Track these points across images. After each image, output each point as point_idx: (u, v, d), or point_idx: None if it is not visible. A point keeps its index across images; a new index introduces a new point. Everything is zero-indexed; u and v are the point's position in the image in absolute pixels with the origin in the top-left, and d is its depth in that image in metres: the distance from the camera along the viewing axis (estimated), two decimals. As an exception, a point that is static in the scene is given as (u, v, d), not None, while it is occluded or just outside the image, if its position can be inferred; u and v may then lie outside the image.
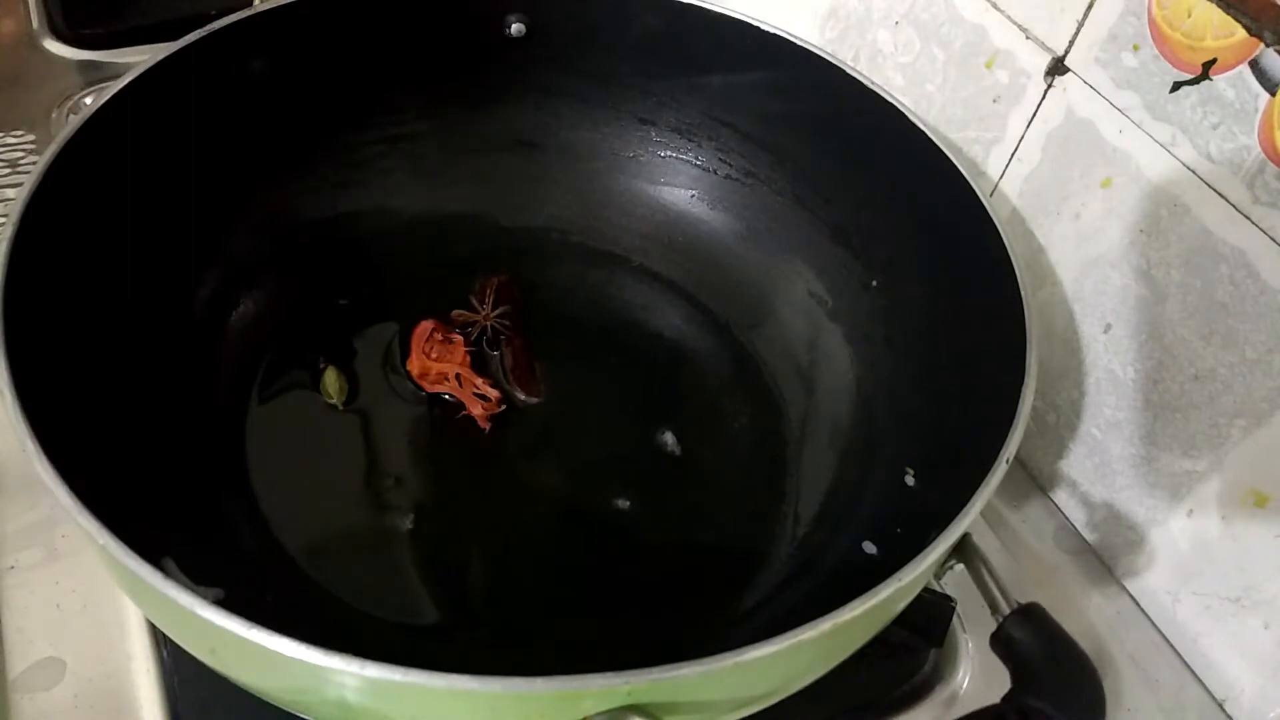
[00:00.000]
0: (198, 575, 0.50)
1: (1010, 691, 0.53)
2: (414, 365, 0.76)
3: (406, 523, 0.69)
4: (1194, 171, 0.62)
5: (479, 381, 0.75)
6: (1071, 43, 0.67)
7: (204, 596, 0.43)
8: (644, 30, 0.81)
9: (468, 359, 0.77)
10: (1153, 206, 0.65)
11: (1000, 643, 0.55)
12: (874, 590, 0.47)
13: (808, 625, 0.45)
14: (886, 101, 0.72)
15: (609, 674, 0.41)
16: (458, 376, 0.75)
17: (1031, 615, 0.55)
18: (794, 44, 0.76)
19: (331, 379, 0.75)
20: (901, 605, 0.54)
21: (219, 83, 0.71)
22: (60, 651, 0.61)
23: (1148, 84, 0.63)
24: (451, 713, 0.45)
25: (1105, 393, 0.71)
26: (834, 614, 0.45)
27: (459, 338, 0.77)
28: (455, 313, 0.80)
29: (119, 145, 0.65)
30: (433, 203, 0.86)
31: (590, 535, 0.71)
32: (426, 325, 0.77)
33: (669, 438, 0.76)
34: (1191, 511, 0.67)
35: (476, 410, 0.74)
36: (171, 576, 0.43)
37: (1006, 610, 0.55)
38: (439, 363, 0.76)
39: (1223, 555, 0.66)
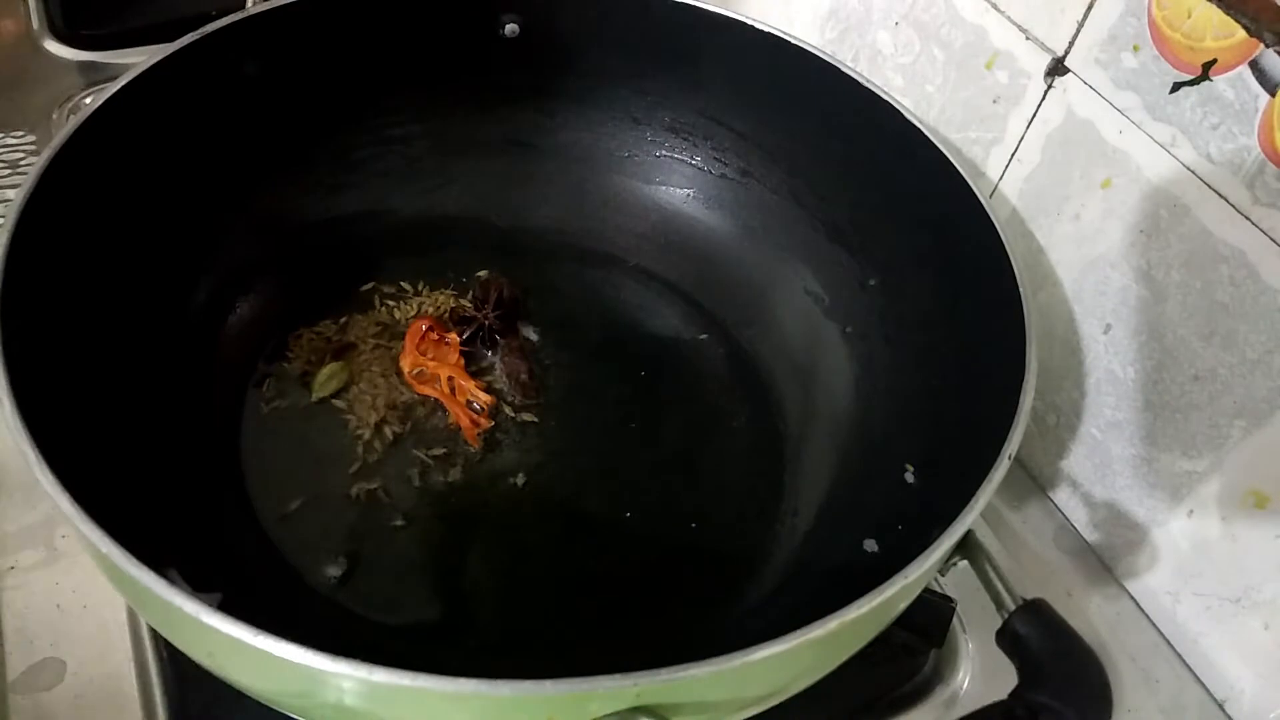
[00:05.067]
0: (196, 579, 0.50)
1: (1017, 688, 0.53)
2: (406, 362, 0.76)
3: (406, 526, 0.69)
4: (1194, 172, 0.62)
5: (471, 385, 0.75)
6: (1071, 43, 0.67)
7: (204, 602, 0.42)
8: (639, 30, 0.81)
9: (461, 361, 0.77)
10: (1153, 207, 0.65)
11: (1006, 639, 0.55)
12: (881, 587, 0.47)
13: (815, 624, 0.45)
14: (886, 102, 0.72)
15: (618, 675, 0.41)
16: (450, 380, 0.75)
17: (1037, 611, 0.55)
18: (790, 43, 0.76)
19: (326, 378, 0.75)
20: (905, 603, 0.54)
21: (215, 84, 0.71)
22: (60, 651, 0.61)
23: (1148, 84, 0.63)
24: (457, 717, 0.44)
25: (1105, 393, 0.71)
26: (841, 612, 0.45)
27: (454, 337, 0.77)
28: (451, 312, 0.80)
29: (116, 147, 0.64)
30: (428, 204, 0.86)
31: (590, 535, 0.71)
32: (422, 323, 0.77)
33: (668, 438, 0.76)
34: (1191, 512, 0.67)
35: (464, 423, 0.74)
36: (173, 583, 0.43)
37: (1012, 606, 0.55)
38: (432, 362, 0.76)
39: (1223, 556, 0.66)
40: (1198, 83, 0.60)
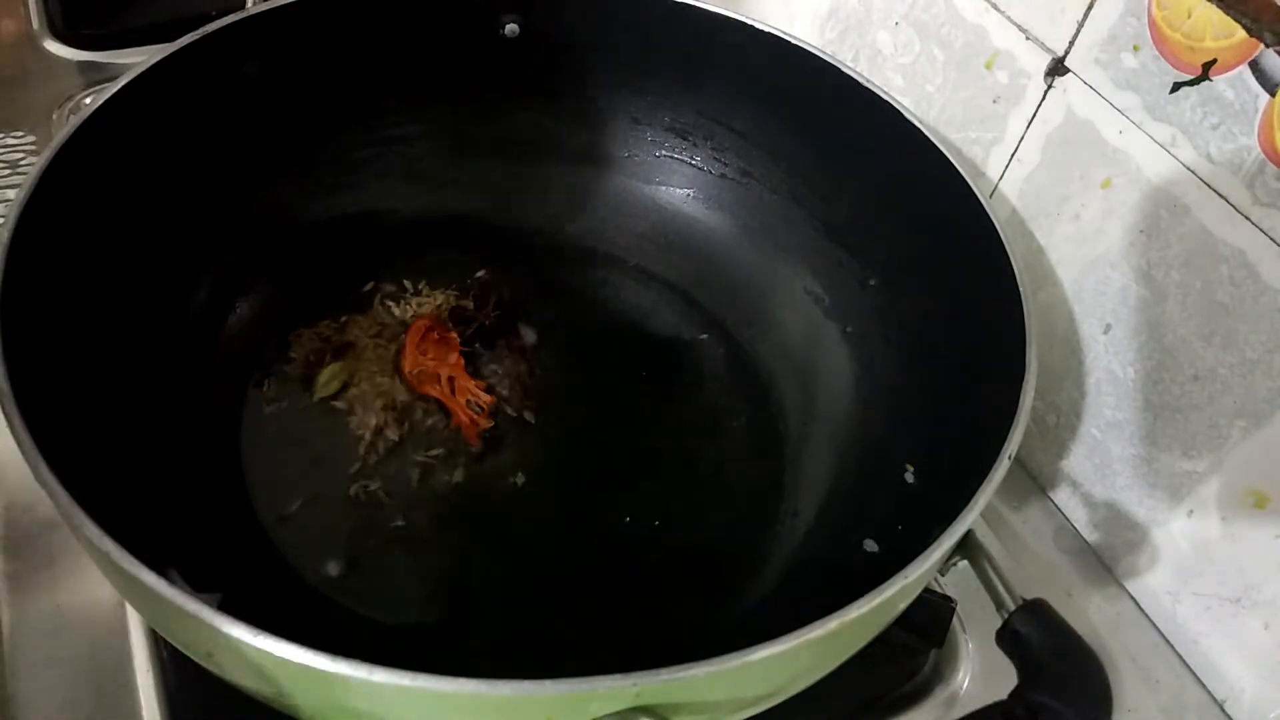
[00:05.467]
0: (196, 579, 0.50)
1: (1017, 688, 0.52)
2: (408, 361, 0.76)
3: (406, 526, 0.69)
4: (1194, 172, 0.62)
5: (471, 385, 0.75)
6: (1071, 43, 0.67)
7: (204, 602, 0.42)
8: (639, 30, 0.81)
9: (461, 361, 0.77)
10: (1153, 207, 0.65)
11: (1006, 639, 0.55)
12: (881, 587, 0.47)
13: (815, 624, 0.45)
14: (886, 102, 0.72)
15: (618, 675, 0.41)
16: (450, 380, 0.75)
17: (1037, 611, 0.55)
18: (789, 43, 0.76)
19: (327, 379, 0.75)
20: (905, 603, 0.54)
21: (215, 85, 0.71)
22: (60, 651, 0.61)
23: (1148, 84, 0.63)
24: (457, 717, 0.44)
25: (1105, 393, 0.71)
26: (841, 612, 0.45)
27: (454, 337, 0.77)
28: (451, 312, 0.80)
29: (116, 147, 0.64)
30: (427, 204, 0.86)
31: (589, 535, 0.71)
32: (423, 323, 0.77)
33: (668, 438, 0.76)
34: (1191, 512, 0.67)
35: (464, 422, 0.74)
36: (173, 583, 0.43)
37: (1012, 606, 0.55)
38: (433, 361, 0.76)
39: (1223, 556, 0.66)
40: (1198, 83, 0.60)
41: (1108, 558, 0.74)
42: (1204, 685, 0.69)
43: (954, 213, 0.68)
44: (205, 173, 0.73)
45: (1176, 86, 0.61)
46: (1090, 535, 0.75)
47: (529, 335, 0.81)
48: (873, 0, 0.83)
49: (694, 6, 0.78)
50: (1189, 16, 0.60)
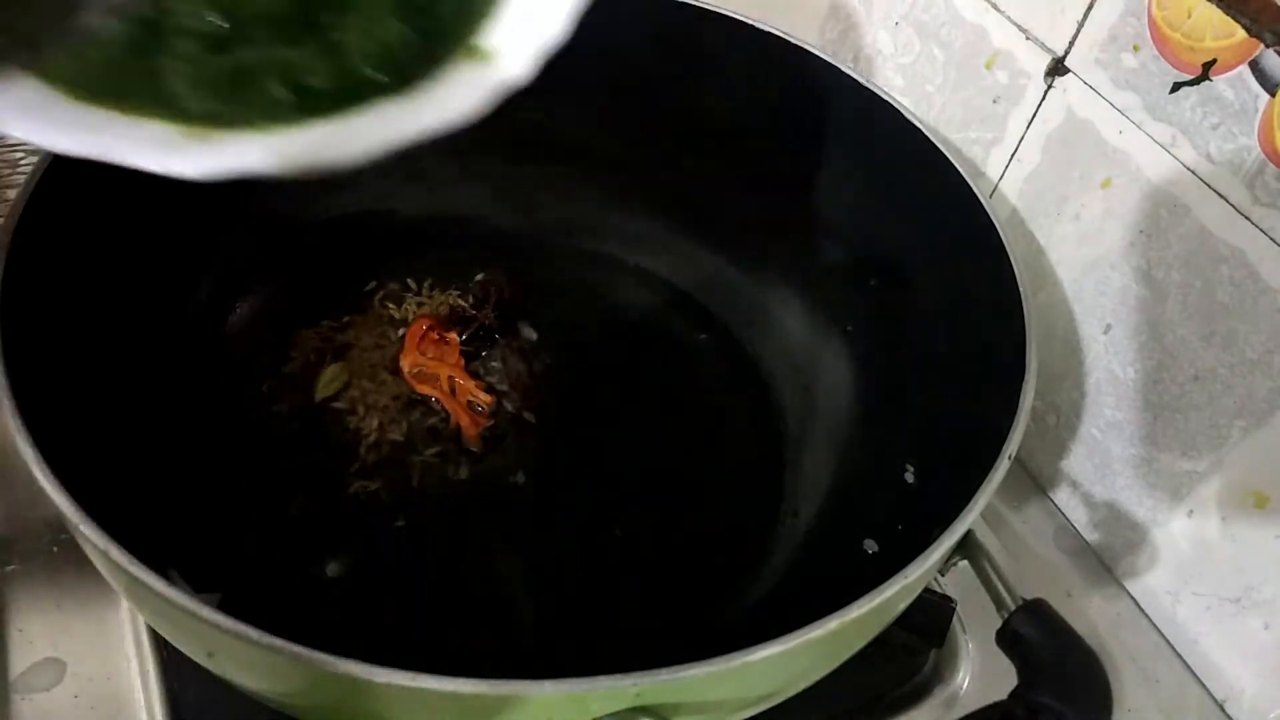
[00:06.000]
0: (196, 579, 0.50)
1: (1017, 687, 0.52)
2: (406, 361, 0.76)
3: (406, 525, 0.69)
4: (1194, 172, 0.62)
5: (471, 385, 0.75)
6: (1071, 43, 0.67)
7: (204, 601, 0.42)
8: (639, 29, 0.80)
9: (461, 361, 0.76)
10: (1153, 207, 0.65)
11: (1006, 639, 0.55)
12: (881, 587, 0.47)
13: (815, 624, 0.44)
14: (886, 102, 0.72)
15: (617, 675, 0.41)
16: (450, 380, 0.75)
17: (1037, 611, 0.55)
18: (790, 43, 0.76)
19: (328, 380, 0.75)
20: (905, 603, 0.54)
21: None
22: (60, 651, 0.61)
23: (1148, 84, 0.63)
24: (456, 716, 0.44)
25: (1105, 393, 0.71)
26: (841, 612, 0.45)
27: (454, 337, 0.77)
28: (451, 312, 0.80)
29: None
30: (428, 204, 0.86)
31: (589, 535, 0.71)
32: (423, 323, 0.77)
33: (668, 438, 0.76)
34: (1191, 512, 0.67)
35: (464, 422, 0.74)
36: (173, 583, 0.43)
37: (1012, 606, 0.55)
38: (433, 361, 0.76)
39: (1223, 556, 0.66)
40: (1198, 83, 0.60)
41: (1108, 558, 0.74)
42: (1204, 685, 0.69)
43: (954, 213, 0.68)
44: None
45: (1176, 86, 0.61)
46: (1090, 535, 0.75)
47: (529, 335, 0.81)
48: (873, 0, 0.82)
49: (694, 6, 0.78)
50: (1189, 16, 0.60)
